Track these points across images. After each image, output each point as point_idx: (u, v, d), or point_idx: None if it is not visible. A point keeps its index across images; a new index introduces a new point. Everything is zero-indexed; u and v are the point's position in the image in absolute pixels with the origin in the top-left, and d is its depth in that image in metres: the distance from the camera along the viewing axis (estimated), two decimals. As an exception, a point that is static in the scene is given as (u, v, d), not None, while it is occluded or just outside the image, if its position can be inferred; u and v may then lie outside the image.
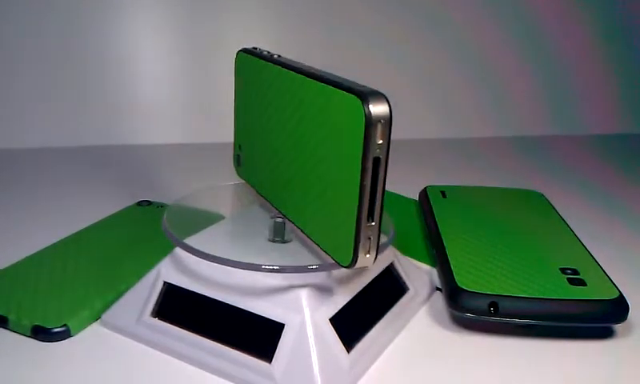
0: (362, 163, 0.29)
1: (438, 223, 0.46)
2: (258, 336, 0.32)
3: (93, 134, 0.72)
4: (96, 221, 0.49)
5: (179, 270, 0.35)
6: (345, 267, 0.31)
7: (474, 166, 0.70)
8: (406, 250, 0.45)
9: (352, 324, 0.34)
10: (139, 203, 0.52)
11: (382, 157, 0.29)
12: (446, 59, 0.84)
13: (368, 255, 0.30)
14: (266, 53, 0.39)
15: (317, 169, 0.33)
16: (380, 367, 0.34)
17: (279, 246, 0.37)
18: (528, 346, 0.37)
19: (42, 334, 0.35)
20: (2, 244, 0.47)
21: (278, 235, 0.38)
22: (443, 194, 0.52)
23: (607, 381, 0.34)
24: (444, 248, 0.42)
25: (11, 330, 0.36)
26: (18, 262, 0.41)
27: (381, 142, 0.29)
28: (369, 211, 0.30)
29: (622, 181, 0.67)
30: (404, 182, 0.64)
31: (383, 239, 0.39)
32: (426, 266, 0.43)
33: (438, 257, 0.42)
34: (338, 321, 0.33)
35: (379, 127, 0.28)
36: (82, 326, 0.36)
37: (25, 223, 0.50)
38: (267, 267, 0.32)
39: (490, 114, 0.85)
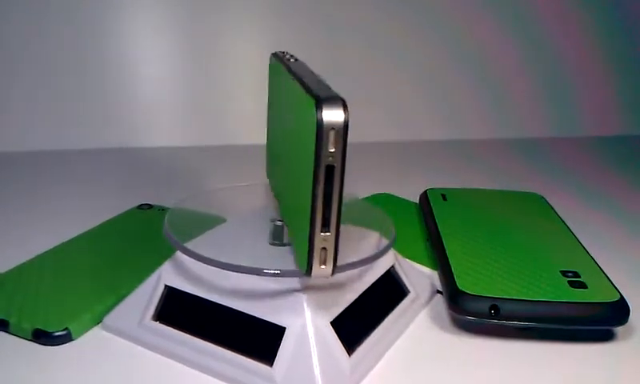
0: (314, 171, 0.28)
1: (438, 226, 0.46)
2: (259, 339, 0.32)
3: (93, 137, 0.72)
4: (97, 224, 0.49)
5: (180, 273, 0.35)
6: (306, 276, 0.30)
7: (474, 169, 0.70)
8: (407, 253, 0.45)
9: (353, 327, 0.34)
10: (140, 206, 0.52)
11: (337, 165, 0.28)
12: (446, 61, 0.84)
13: (323, 266, 0.29)
14: (287, 56, 0.39)
15: (293, 175, 0.32)
16: (381, 370, 0.34)
17: (280, 249, 0.37)
18: (529, 348, 0.37)
19: (43, 337, 0.35)
20: (3, 247, 0.47)
21: (278, 238, 0.38)
22: (444, 196, 0.52)
23: (608, 383, 0.34)
24: (445, 250, 0.42)
25: (12, 334, 0.36)
26: (18, 266, 0.41)
27: (333, 149, 0.27)
28: (323, 221, 0.29)
29: (623, 183, 0.67)
30: (404, 184, 0.64)
31: (384, 242, 0.39)
32: (426, 269, 0.43)
33: (439, 259, 0.42)
34: (339, 324, 0.33)
35: (332, 134, 0.27)
36: (84, 330, 0.36)
37: (25, 227, 0.50)
38: (268, 271, 0.32)
39: (490, 116, 0.85)
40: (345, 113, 0.27)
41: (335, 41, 0.80)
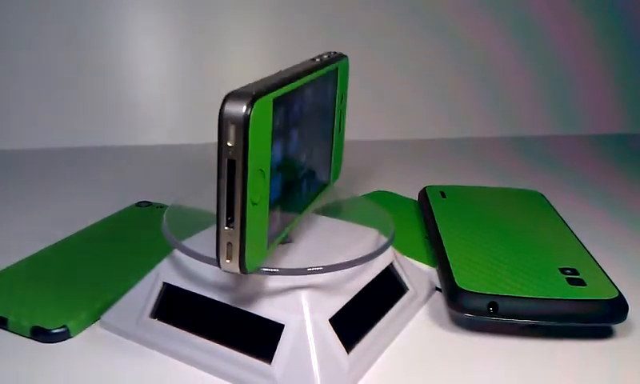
0: (217, 165, 0.28)
1: (437, 223, 0.46)
2: (257, 337, 0.32)
3: (92, 135, 0.72)
4: (95, 222, 0.49)
5: (179, 271, 0.35)
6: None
7: (473, 166, 0.70)
8: (406, 251, 0.45)
9: (352, 324, 0.34)
10: (139, 204, 0.52)
11: (238, 160, 0.28)
12: (445, 59, 0.84)
13: (228, 261, 0.29)
14: (325, 56, 0.40)
15: None
16: (380, 368, 0.34)
17: (278, 246, 0.37)
18: (527, 345, 0.37)
19: (41, 334, 0.35)
20: (2, 245, 0.47)
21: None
22: (443, 194, 0.52)
23: (607, 380, 0.34)
24: (443, 248, 0.42)
25: (11, 331, 0.36)
26: (17, 263, 0.41)
27: (232, 144, 0.27)
28: (227, 216, 0.28)
29: (622, 181, 0.67)
30: (404, 182, 0.64)
31: (383, 240, 0.39)
32: (425, 266, 0.43)
33: (438, 257, 0.42)
34: (337, 321, 0.33)
35: (232, 129, 0.27)
36: (82, 327, 0.36)
37: (24, 224, 0.50)
38: (267, 270, 0.32)
39: (490, 114, 0.85)
40: (248, 109, 0.27)
41: (335, 41, 0.80)
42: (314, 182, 0.39)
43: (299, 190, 0.36)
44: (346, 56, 0.42)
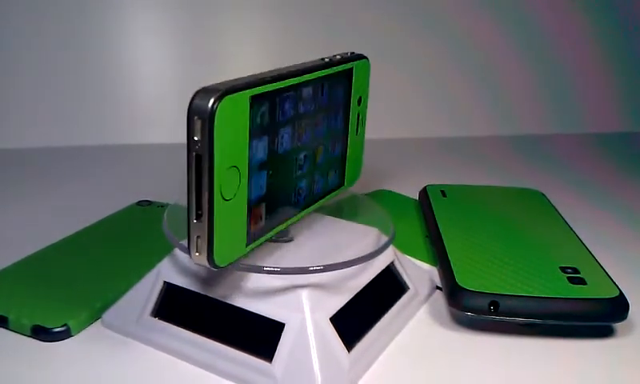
0: (187, 159, 0.28)
1: (438, 222, 0.46)
2: (258, 335, 0.32)
3: (92, 134, 0.72)
4: (96, 220, 0.49)
5: (179, 269, 0.35)
6: None
7: (473, 165, 0.70)
8: (406, 249, 0.45)
9: (352, 323, 0.34)
10: (139, 203, 0.52)
11: (204, 154, 0.28)
12: (446, 58, 0.83)
13: (197, 254, 0.29)
14: (338, 56, 0.39)
15: None
16: (380, 366, 0.34)
17: (279, 245, 0.37)
18: (528, 344, 0.37)
19: (42, 333, 0.35)
20: (2, 243, 0.47)
21: (279, 234, 0.38)
22: (443, 193, 0.52)
23: (607, 379, 0.34)
24: (444, 247, 0.42)
25: (11, 330, 0.36)
26: (17, 262, 0.41)
27: (197, 138, 0.28)
28: (196, 210, 0.29)
29: (622, 179, 0.67)
30: (404, 181, 0.64)
31: (383, 239, 0.39)
32: (426, 265, 0.43)
33: (438, 256, 0.42)
34: (338, 320, 0.33)
35: (198, 123, 0.27)
36: (82, 326, 0.36)
37: (24, 223, 0.50)
38: (268, 269, 0.32)
39: (490, 113, 0.85)
40: (214, 104, 0.27)
41: (335, 40, 0.80)
42: (319, 183, 0.39)
43: (295, 190, 0.36)
44: (365, 57, 0.41)
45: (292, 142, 0.34)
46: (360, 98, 0.41)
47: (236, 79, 0.30)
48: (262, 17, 0.78)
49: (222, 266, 0.30)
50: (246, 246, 0.32)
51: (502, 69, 0.85)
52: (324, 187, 0.39)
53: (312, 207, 0.38)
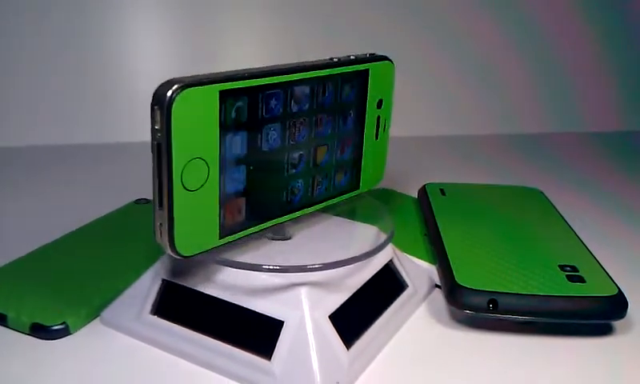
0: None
1: (437, 220, 0.46)
2: (257, 333, 0.32)
3: (91, 132, 0.72)
4: (95, 219, 0.49)
5: (178, 267, 0.35)
6: None
7: (473, 164, 0.70)
8: (405, 248, 0.45)
9: (351, 321, 0.34)
10: (137, 201, 0.52)
11: (163, 143, 0.29)
12: (445, 57, 0.84)
13: (160, 240, 0.30)
14: (352, 56, 0.39)
15: None
16: (379, 364, 0.34)
17: (278, 243, 0.37)
18: (527, 342, 0.37)
19: (40, 331, 0.35)
20: (1, 241, 0.46)
21: (278, 233, 0.38)
22: (442, 191, 0.52)
23: (606, 377, 0.34)
24: (443, 245, 0.42)
25: (10, 328, 0.36)
26: (16, 260, 0.41)
27: (157, 127, 0.28)
28: (158, 198, 0.30)
29: (621, 178, 0.67)
30: (403, 179, 0.64)
31: (382, 237, 0.39)
32: (425, 263, 0.43)
33: (437, 254, 0.42)
34: (337, 318, 0.33)
35: (158, 113, 0.28)
36: (81, 324, 0.36)
37: (23, 221, 0.50)
38: (267, 267, 0.32)
39: (489, 111, 0.85)
40: (173, 94, 0.28)
41: (335, 40, 0.80)
42: (322, 185, 0.38)
43: (288, 189, 0.36)
44: (387, 59, 0.40)
45: (282, 140, 0.34)
46: (381, 100, 0.40)
47: (213, 73, 0.30)
48: (262, 17, 0.78)
49: (185, 255, 0.31)
50: (220, 239, 0.32)
51: (501, 68, 0.85)
52: (330, 189, 0.39)
53: (314, 207, 0.38)
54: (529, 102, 0.86)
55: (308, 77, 0.35)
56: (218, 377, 0.33)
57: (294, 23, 0.79)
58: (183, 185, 0.30)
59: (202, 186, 0.31)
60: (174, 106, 0.28)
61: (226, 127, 0.31)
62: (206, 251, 0.32)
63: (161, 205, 0.30)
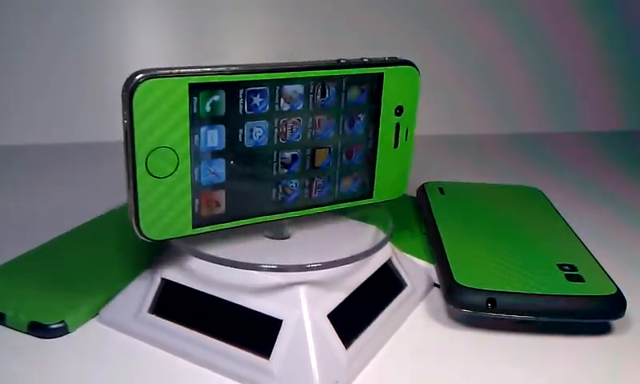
0: None
1: (435, 219, 0.46)
2: (256, 332, 0.32)
3: (91, 131, 0.72)
4: (94, 217, 0.49)
5: (177, 266, 0.35)
6: None
7: (472, 163, 0.70)
8: (404, 247, 0.45)
9: (350, 320, 0.34)
10: (137, 200, 0.52)
11: (128, 131, 0.30)
12: (445, 57, 0.84)
13: (130, 222, 0.32)
14: (366, 59, 0.38)
15: None
16: (378, 363, 0.34)
17: (276, 242, 0.37)
18: (526, 341, 0.37)
19: (39, 330, 0.35)
20: (0, 240, 0.46)
21: (275, 232, 0.38)
22: (441, 190, 0.52)
23: (605, 376, 0.34)
24: (442, 244, 0.42)
25: (8, 327, 0.36)
26: (15, 258, 0.41)
27: (125, 113, 0.30)
28: (126, 180, 0.32)
29: (620, 177, 0.67)
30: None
31: (381, 236, 0.39)
32: (423, 262, 0.43)
33: (436, 253, 0.42)
34: (336, 317, 0.33)
35: (124, 101, 0.30)
36: (80, 322, 0.36)
37: (22, 219, 0.50)
38: (266, 266, 0.32)
39: (489, 111, 0.85)
40: (135, 84, 0.30)
41: (335, 40, 0.80)
42: (324, 188, 0.37)
43: (278, 187, 0.36)
44: (410, 64, 0.38)
45: (270, 138, 0.34)
46: (400, 107, 0.38)
47: (187, 66, 0.31)
48: (262, 17, 0.78)
49: (152, 238, 0.33)
50: (194, 228, 0.34)
51: (501, 68, 0.85)
52: (334, 193, 0.38)
53: (317, 209, 0.38)
54: (528, 101, 0.86)
55: (299, 76, 0.34)
56: (216, 376, 0.33)
57: (294, 23, 0.79)
58: (148, 171, 0.31)
59: (172, 174, 0.32)
60: (135, 94, 0.30)
61: (199, 119, 0.32)
62: (179, 238, 0.33)
63: (129, 187, 0.31)
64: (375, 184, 0.39)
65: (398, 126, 0.39)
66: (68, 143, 0.71)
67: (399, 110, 0.38)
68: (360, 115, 0.37)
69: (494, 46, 0.85)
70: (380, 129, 0.38)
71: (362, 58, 0.36)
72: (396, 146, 0.39)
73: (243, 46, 0.78)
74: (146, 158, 0.31)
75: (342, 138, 0.37)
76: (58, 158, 0.67)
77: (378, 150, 0.39)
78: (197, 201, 0.33)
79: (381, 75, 0.37)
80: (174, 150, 0.31)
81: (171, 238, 0.33)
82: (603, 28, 0.88)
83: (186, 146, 0.32)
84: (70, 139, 0.71)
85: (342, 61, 0.36)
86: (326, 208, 0.38)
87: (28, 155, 0.67)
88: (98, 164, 0.65)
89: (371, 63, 0.36)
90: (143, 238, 0.32)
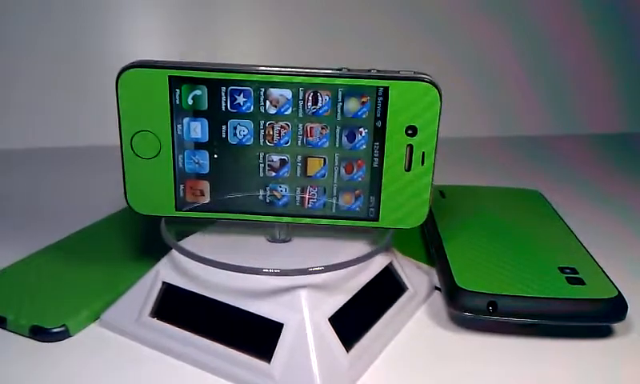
0: None
1: (436, 222, 0.46)
2: (257, 336, 0.32)
3: (92, 134, 0.72)
4: (95, 221, 0.49)
5: (178, 270, 0.35)
6: None
7: (472, 166, 0.70)
8: (405, 250, 0.45)
9: (351, 323, 0.34)
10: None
11: (117, 111, 0.35)
12: (444, 58, 0.84)
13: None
14: (374, 70, 0.37)
15: None
16: (379, 367, 0.34)
17: (278, 246, 0.37)
18: (527, 345, 0.37)
19: (40, 334, 0.35)
20: (1, 244, 0.46)
21: (277, 236, 0.38)
22: (442, 193, 0.52)
23: (606, 379, 0.34)
24: (443, 247, 0.42)
25: (10, 331, 0.36)
26: (16, 262, 0.41)
27: (116, 97, 0.34)
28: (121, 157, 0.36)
29: (621, 180, 0.67)
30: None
31: (382, 239, 0.39)
32: (424, 266, 0.43)
33: (437, 256, 0.42)
34: (337, 320, 0.33)
35: (116, 85, 0.34)
36: (81, 326, 0.36)
37: (24, 223, 0.50)
38: (267, 270, 0.32)
39: (489, 114, 0.85)
40: (121, 72, 0.34)
41: (335, 40, 0.80)
42: (319, 200, 0.36)
43: (266, 189, 0.36)
44: (426, 81, 0.35)
45: (255, 138, 0.35)
46: (414, 128, 0.35)
47: (172, 61, 0.34)
48: (262, 17, 0.78)
49: (138, 211, 0.36)
50: (177, 210, 0.36)
51: (501, 69, 0.85)
52: (331, 207, 0.36)
53: (313, 220, 0.36)
54: (529, 103, 0.86)
55: (286, 81, 0.34)
56: (217, 379, 0.32)
57: (294, 23, 0.79)
58: (133, 150, 0.35)
59: (155, 156, 0.35)
60: (119, 81, 0.34)
61: (182, 111, 0.34)
62: (165, 217, 0.36)
63: (121, 162, 0.35)
64: (381, 207, 0.36)
65: (411, 147, 0.35)
66: (69, 146, 0.71)
67: (412, 131, 0.35)
68: (362, 129, 0.35)
69: (495, 49, 0.85)
70: (386, 148, 0.35)
71: (369, 69, 0.34)
72: (408, 169, 0.36)
73: (243, 45, 0.78)
74: (131, 138, 0.35)
75: (339, 150, 0.35)
76: (59, 161, 0.67)
77: (383, 171, 0.36)
78: (181, 186, 0.36)
79: (386, 89, 0.34)
80: (156, 136, 0.35)
81: (156, 216, 0.36)
82: (604, 31, 0.88)
83: (168, 132, 0.35)
84: (71, 143, 0.71)
85: (344, 69, 0.34)
86: (325, 221, 0.37)
87: (29, 159, 0.67)
88: (98, 167, 0.65)
89: (374, 75, 0.34)
90: (131, 210, 0.36)
